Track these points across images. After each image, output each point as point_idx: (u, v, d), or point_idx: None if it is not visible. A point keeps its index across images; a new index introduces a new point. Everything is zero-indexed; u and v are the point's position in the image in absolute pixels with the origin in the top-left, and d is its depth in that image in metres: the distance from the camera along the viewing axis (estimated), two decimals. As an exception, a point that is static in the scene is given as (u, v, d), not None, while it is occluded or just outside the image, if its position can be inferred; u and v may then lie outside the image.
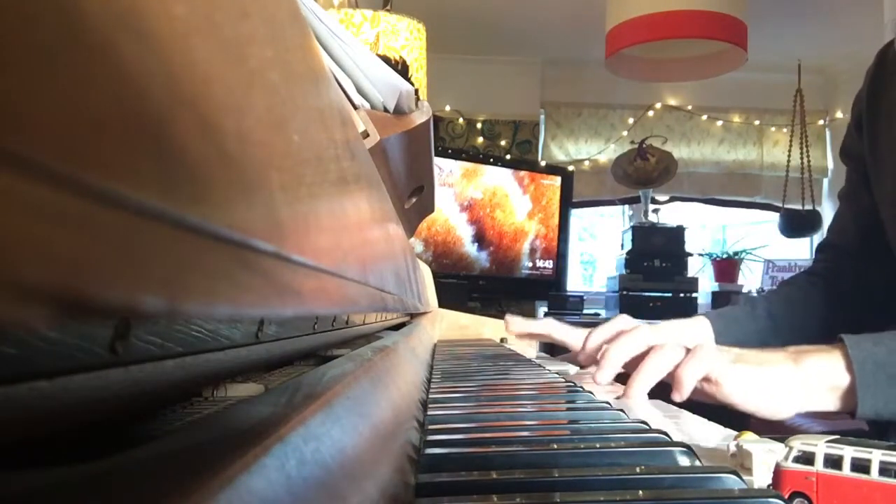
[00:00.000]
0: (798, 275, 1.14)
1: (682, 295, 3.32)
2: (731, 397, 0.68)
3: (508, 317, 1.02)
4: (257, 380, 0.34)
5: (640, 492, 0.28)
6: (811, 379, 0.69)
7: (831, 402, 0.69)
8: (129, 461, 0.13)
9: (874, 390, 0.66)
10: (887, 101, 0.94)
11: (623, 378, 0.77)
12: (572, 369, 0.96)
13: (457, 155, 3.37)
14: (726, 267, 3.65)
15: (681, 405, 0.69)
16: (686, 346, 0.72)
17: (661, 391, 0.73)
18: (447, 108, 3.56)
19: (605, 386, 0.76)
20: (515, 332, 1.01)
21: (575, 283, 3.91)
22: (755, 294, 3.30)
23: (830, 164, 3.74)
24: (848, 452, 0.35)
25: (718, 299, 3.47)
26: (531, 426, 0.46)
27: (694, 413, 0.67)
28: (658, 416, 0.62)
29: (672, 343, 0.73)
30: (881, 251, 0.97)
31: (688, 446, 0.35)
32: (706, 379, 0.68)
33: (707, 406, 0.72)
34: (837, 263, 1.04)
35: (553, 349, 1.37)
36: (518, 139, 3.66)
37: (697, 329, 0.94)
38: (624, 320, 0.88)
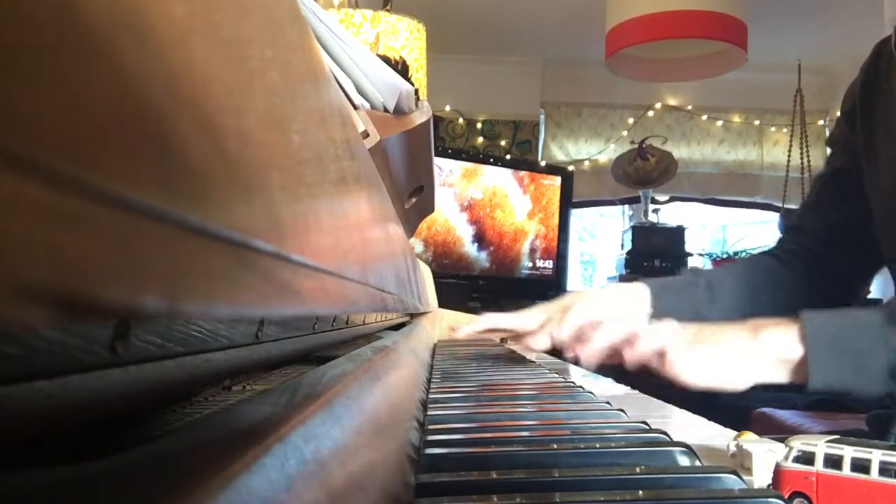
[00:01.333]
0: (757, 254, 1.16)
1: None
2: (681, 376, 0.70)
3: (451, 325, 1.06)
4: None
5: (640, 492, 0.28)
6: (766, 350, 0.71)
7: (784, 374, 0.72)
8: (129, 461, 0.13)
9: (824, 364, 0.69)
10: (883, 96, 0.94)
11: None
12: (573, 369, 0.96)
13: (457, 155, 3.37)
14: (726, 267, 3.64)
15: (682, 406, 0.70)
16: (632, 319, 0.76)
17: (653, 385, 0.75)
18: (447, 108, 3.56)
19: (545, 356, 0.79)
20: (462, 336, 1.04)
21: (575, 283, 3.90)
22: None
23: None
24: (848, 452, 0.35)
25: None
26: (531, 426, 0.46)
27: (694, 413, 0.67)
28: (657, 416, 0.62)
29: (635, 315, 0.76)
30: (851, 243, 0.98)
31: (688, 446, 0.35)
32: (659, 354, 0.71)
33: (707, 406, 0.73)
34: (803, 247, 1.04)
35: (554, 352, 1.37)
36: (518, 139, 3.66)
37: (635, 294, 0.97)
38: (568, 298, 0.92)
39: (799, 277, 1.02)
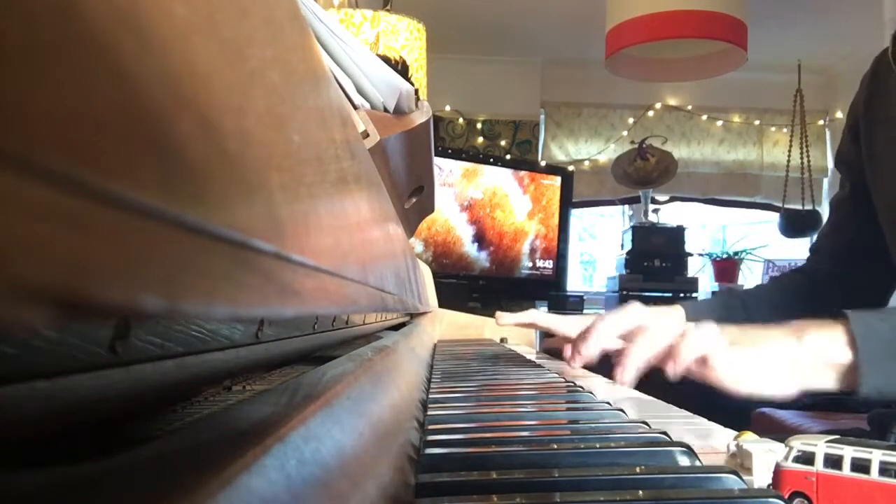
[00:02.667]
0: (785, 273, 1.16)
1: (682, 295, 3.32)
2: (723, 382, 0.67)
3: (498, 312, 1.06)
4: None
5: (640, 492, 0.28)
6: (812, 355, 0.67)
7: (832, 380, 0.67)
8: (129, 461, 0.13)
9: (877, 367, 0.64)
10: (884, 108, 0.95)
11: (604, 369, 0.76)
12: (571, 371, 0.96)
13: (457, 155, 3.36)
14: (726, 267, 3.65)
15: (683, 405, 0.69)
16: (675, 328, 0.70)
17: (662, 387, 0.73)
18: (447, 108, 3.56)
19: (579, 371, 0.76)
20: (504, 324, 1.04)
21: (575, 283, 3.90)
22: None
23: (830, 164, 3.74)
24: (848, 452, 0.35)
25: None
26: (531, 426, 0.46)
27: (695, 413, 0.67)
28: (657, 416, 0.62)
29: (663, 324, 0.71)
30: (868, 260, 1.00)
31: (688, 446, 0.35)
32: (701, 360, 0.67)
33: (707, 406, 0.72)
34: (824, 268, 1.07)
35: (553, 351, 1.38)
36: (518, 139, 3.66)
37: (671, 313, 0.94)
38: (608, 314, 0.89)
39: (827, 293, 1.04)
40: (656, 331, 0.69)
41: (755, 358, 0.67)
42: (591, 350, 0.75)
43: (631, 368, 0.68)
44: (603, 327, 0.76)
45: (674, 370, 0.67)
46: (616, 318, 0.76)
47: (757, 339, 0.68)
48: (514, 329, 1.33)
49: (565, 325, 0.94)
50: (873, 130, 0.97)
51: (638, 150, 3.44)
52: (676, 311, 0.95)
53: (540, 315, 1.00)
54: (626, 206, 3.87)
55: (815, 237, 1.21)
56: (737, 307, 0.99)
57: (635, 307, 0.80)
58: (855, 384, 0.65)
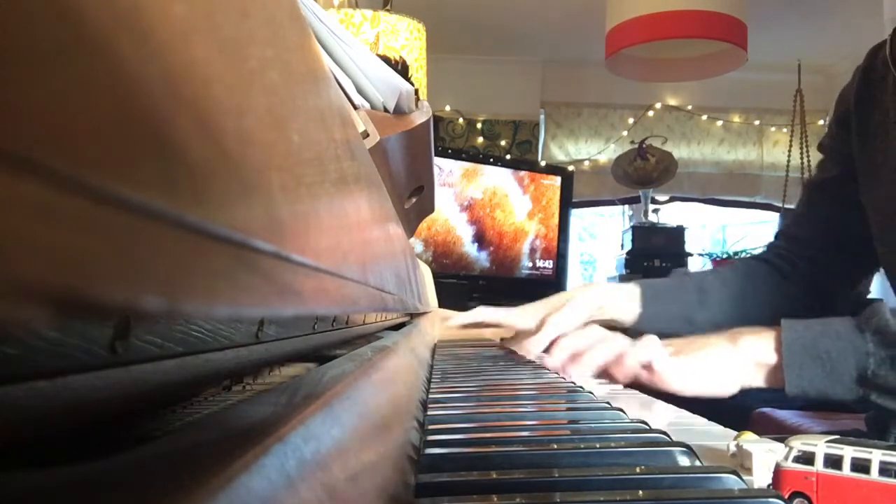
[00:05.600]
0: (747, 258, 1.20)
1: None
2: (671, 385, 0.76)
3: (443, 314, 1.10)
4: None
5: (640, 492, 0.28)
6: (746, 357, 0.76)
7: (763, 379, 0.77)
8: (129, 461, 0.13)
9: (799, 371, 0.73)
10: (880, 107, 0.94)
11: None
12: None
13: (457, 155, 3.36)
14: (726, 267, 3.65)
15: (683, 405, 0.70)
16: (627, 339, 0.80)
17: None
18: (447, 108, 3.56)
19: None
20: (453, 325, 1.08)
21: (575, 283, 3.90)
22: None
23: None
24: (848, 452, 0.35)
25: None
26: (531, 426, 0.46)
27: (694, 413, 0.67)
28: (657, 415, 0.62)
29: (619, 336, 0.80)
30: (841, 247, 1.00)
31: (688, 446, 0.35)
32: (647, 368, 0.76)
33: (707, 406, 0.74)
34: (793, 253, 1.06)
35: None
36: (518, 139, 3.66)
37: (628, 294, 1.01)
38: (563, 296, 0.98)
39: (789, 283, 1.04)
40: (607, 342, 0.79)
41: (696, 363, 0.77)
42: (540, 347, 0.85)
43: (586, 367, 0.78)
44: (565, 342, 0.84)
45: (622, 375, 0.76)
46: (575, 338, 0.84)
47: (698, 347, 0.78)
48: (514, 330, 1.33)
49: (515, 318, 0.96)
50: (866, 126, 0.96)
51: (638, 150, 3.44)
52: (632, 291, 1.02)
53: (487, 311, 1.02)
54: (626, 206, 3.87)
55: (780, 222, 1.21)
56: (691, 291, 1.02)
57: (581, 296, 0.92)
58: (782, 383, 0.74)
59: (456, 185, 3.31)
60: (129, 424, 0.23)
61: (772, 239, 1.13)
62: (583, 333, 0.83)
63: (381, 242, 0.40)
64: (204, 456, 0.14)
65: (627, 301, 0.99)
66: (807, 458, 0.36)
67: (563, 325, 0.88)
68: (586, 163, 3.71)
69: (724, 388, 0.77)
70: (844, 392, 0.72)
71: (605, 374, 0.80)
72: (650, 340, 0.78)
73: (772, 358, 0.75)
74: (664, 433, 0.38)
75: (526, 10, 3.06)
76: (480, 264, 3.35)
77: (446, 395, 0.58)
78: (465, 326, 1.06)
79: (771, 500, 0.27)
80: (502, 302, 3.56)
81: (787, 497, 0.35)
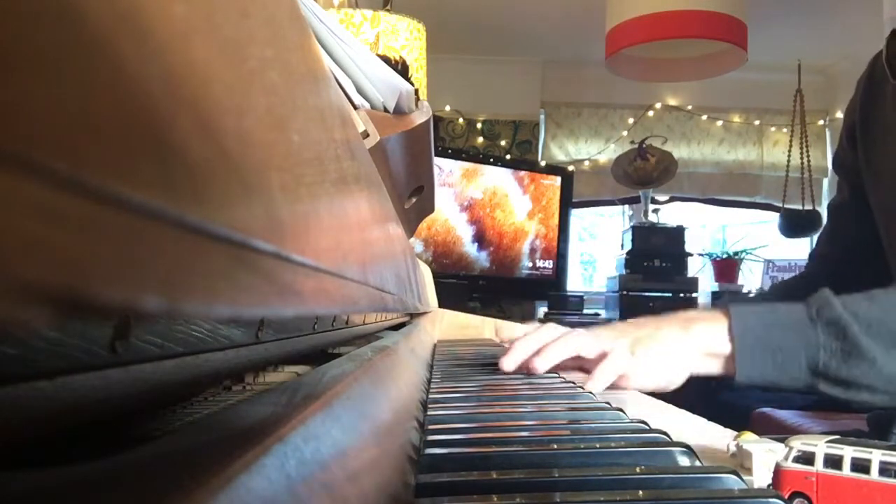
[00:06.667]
0: (788, 279, 1.23)
1: (682, 295, 3.32)
2: (644, 387, 0.78)
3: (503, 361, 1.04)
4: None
5: (640, 492, 0.28)
6: (698, 346, 0.77)
7: (714, 367, 0.78)
8: (129, 461, 0.13)
9: (751, 362, 0.74)
10: (880, 112, 0.95)
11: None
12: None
13: (457, 155, 3.36)
14: (726, 267, 3.65)
15: (682, 406, 0.70)
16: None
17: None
18: (447, 108, 3.56)
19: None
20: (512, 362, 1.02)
21: (575, 283, 3.90)
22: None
23: (830, 164, 3.74)
24: (848, 452, 0.35)
25: (718, 299, 3.47)
26: (531, 426, 0.46)
27: (694, 413, 0.67)
28: (657, 415, 0.62)
29: (576, 331, 0.80)
30: (866, 264, 1.02)
31: (688, 446, 0.35)
32: (618, 377, 0.76)
33: (707, 406, 0.74)
34: (823, 273, 1.09)
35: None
36: (518, 139, 3.66)
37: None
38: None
39: None
40: (572, 339, 0.78)
41: (650, 356, 0.77)
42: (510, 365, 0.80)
43: (547, 361, 0.76)
44: (520, 344, 0.81)
45: (595, 386, 0.75)
46: (530, 339, 0.81)
47: (653, 339, 0.78)
48: (514, 331, 1.33)
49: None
50: (870, 135, 0.97)
51: (638, 150, 3.44)
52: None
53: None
54: (626, 206, 3.87)
55: (814, 242, 1.25)
56: None
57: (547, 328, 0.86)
58: (732, 372, 0.75)
59: (456, 185, 3.31)
60: (129, 424, 0.23)
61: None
62: (538, 333, 0.80)
63: (381, 242, 0.40)
64: (204, 456, 0.14)
65: None
66: (807, 458, 0.36)
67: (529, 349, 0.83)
68: (586, 163, 3.71)
69: (677, 378, 0.78)
70: (793, 382, 0.74)
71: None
72: (617, 353, 0.76)
73: (724, 348, 0.76)
74: (664, 433, 0.38)
75: (526, 10, 3.06)
76: (480, 264, 3.35)
77: (446, 394, 0.58)
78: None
79: (771, 500, 0.27)
80: (502, 302, 3.53)
81: (787, 497, 0.35)
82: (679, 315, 0.81)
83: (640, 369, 0.77)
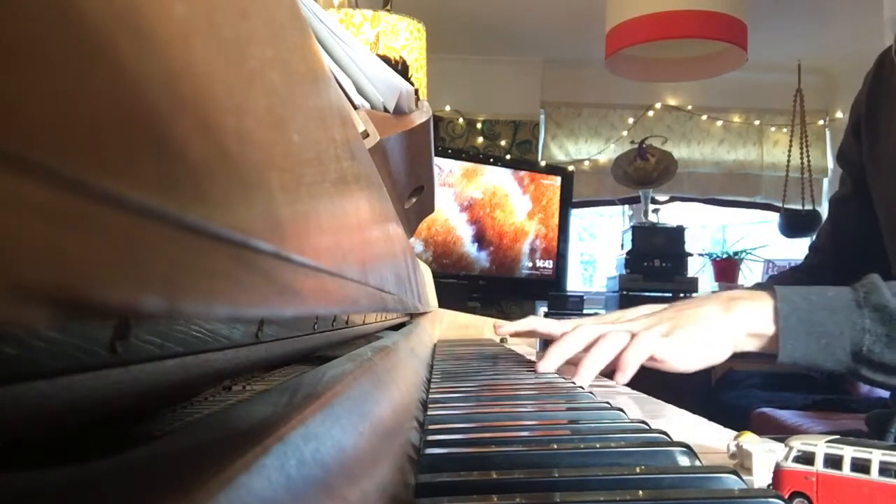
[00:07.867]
0: (784, 271, 1.22)
1: (682, 295, 3.31)
2: (674, 367, 0.77)
3: (495, 323, 1.09)
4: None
5: (640, 492, 0.28)
6: (740, 326, 0.78)
7: (755, 346, 0.78)
8: (129, 461, 0.13)
9: (794, 343, 0.75)
10: (886, 106, 0.95)
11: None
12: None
13: (457, 155, 3.37)
14: (726, 267, 3.65)
15: (682, 406, 0.70)
16: (630, 331, 0.79)
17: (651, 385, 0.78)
18: (447, 108, 3.56)
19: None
20: (503, 333, 1.07)
21: (575, 283, 3.90)
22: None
23: (830, 164, 3.74)
24: (848, 452, 0.35)
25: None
26: (531, 426, 0.46)
27: (694, 413, 0.67)
28: (657, 415, 0.62)
29: (616, 329, 0.79)
30: (866, 257, 1.02)
31: (688, 446, 0.35)
32: (651, 358, 0.76)
33: (707, 406, 0.74)
34: (823, 265, 1.10)
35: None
36: (518, 139, 3.66)
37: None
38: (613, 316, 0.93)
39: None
40: (607, 341, 0.78)
41: (691, 337, 0.77)
42: (549, 367, 0.80)
43: (587, 373, 0.76)
44: (565, 343, 0.82)
45: (623, 378, 0.76)
46: (578, 335, 0.82)
47: (692, 320, 0.79)
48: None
49: (560, 328, 0.94)
50: (875, 130, 0.97)
51: (638, 150, 3.44)
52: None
53: (539, 321, 1.00)
54: (626, 206, 3.87)
55: (815, 235, 1.24)
56: None
57: (591, 326, 0.86)
58: (774, 351, 0.76)
59: (456, 185, 3.31)
60: (129, 424, 0.23)
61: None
62: (573, 338, 0.80)
63: (381, 242, 0.40)
64: (204, 456, 0.14)
65: None
66: (807, 458, 0.36)
67: (568, 351, 0.82)
68: (586, 163, 3.71)
69: (719, 356, 0.78)
70: (836, 364, 0.74)
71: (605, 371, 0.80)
72: (646, 335, 0.77)
73: (768, 328, 0.77)
74: (664, 433, 0.38)
75: (526, 10, 3.07)
76: (480, 264, 3.35)
77: (446, 394, 0.58)
78: (517, 334, 1.05)
79: (771, 500, 0.27)
80: (502, 302, 3.54)
81: (787, 497, 0.35)
82: (721, 295, 0.81)
83: (677, 350, 0.77)
